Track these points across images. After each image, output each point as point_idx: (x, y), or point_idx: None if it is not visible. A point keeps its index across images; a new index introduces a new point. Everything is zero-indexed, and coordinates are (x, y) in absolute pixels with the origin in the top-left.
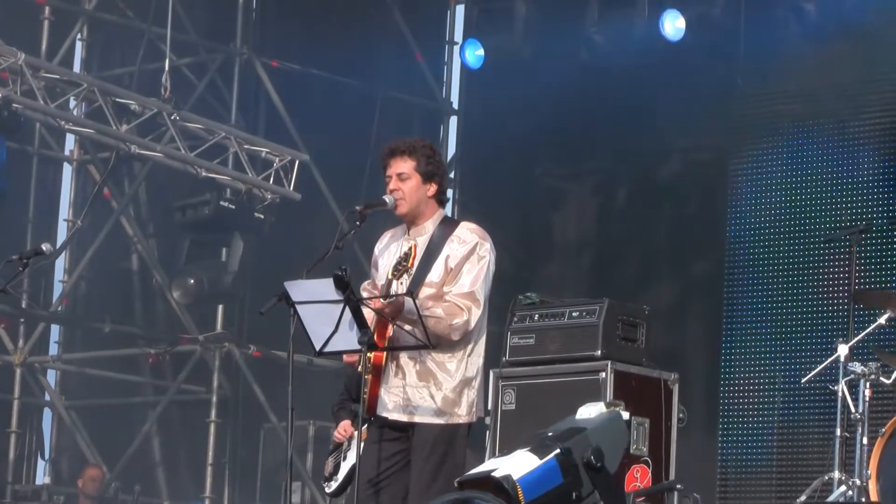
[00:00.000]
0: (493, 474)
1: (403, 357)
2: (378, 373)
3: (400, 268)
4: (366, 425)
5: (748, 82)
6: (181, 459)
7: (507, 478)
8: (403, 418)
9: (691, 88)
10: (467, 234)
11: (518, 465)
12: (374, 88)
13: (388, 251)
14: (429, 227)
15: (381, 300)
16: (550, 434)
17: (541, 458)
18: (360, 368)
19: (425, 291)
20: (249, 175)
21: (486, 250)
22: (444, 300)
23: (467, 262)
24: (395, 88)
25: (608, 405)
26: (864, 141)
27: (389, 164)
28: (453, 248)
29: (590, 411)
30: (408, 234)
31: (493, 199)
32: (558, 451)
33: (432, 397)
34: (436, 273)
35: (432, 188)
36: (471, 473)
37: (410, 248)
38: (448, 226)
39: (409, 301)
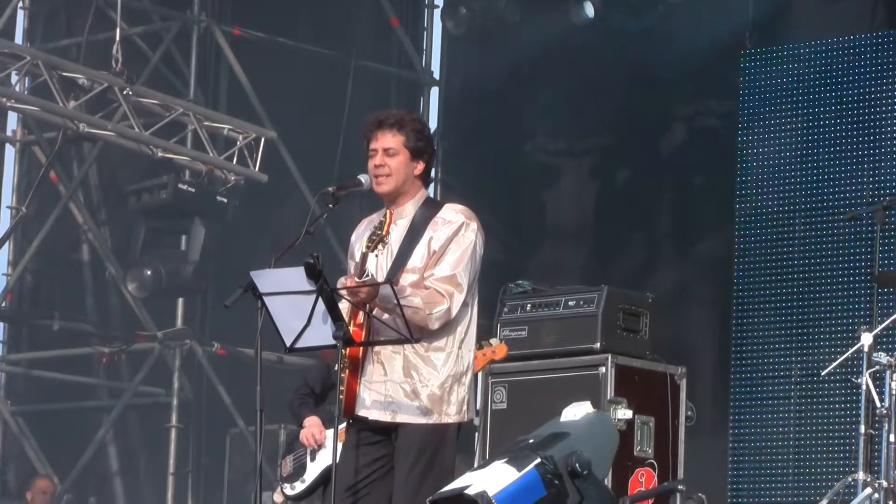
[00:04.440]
0: (466, 492)
1: (385, 350)
2: (355, 368)
3: (374, 238)
4: (342, 426)
5: (758, 41)
6: (140, 468)
7: (482, 495)
8: (385, 418)
9: (696, 50)
10: (452, 214)
11: (494, 479)
12: (347, 57)
13: (364, 240)
14: (410, 208)
15: (356, 280)
16: (531, 441)
17: (519, 470)
18: (336, 367)
19: (407, 278)
20: (210, 155)
21: (473, 231)
22: (425, 286)
23: (452, 243)
24: (369, 57)
25: (610, 402)
26: (887, 106)
27: (375, 136)
28: (437, 230)
29: (575, 413)
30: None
31: (479, 177)
32: (538, 460)
33: (417, 394)
34: (418, 257)
35: (419, 166)
36: (443, 492)
37: (385, 216)
38: (431, 207)
39: (385, 287)
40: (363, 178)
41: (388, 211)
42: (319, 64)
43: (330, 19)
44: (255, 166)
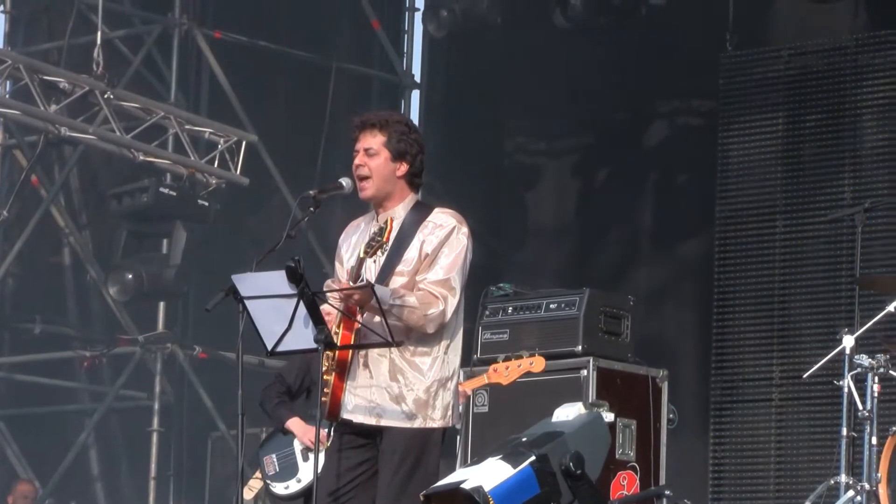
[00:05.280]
0: (462, 486)
1: (372, 353)
2: (342, 371)
3: (374, 244)
4: (326, 430)
5: (739, 43)
6: (121, 472)
7: (478, 490)
8: (370, 422)
9: (677, 51)
10: (443, 217)
11: (489, 475)
12: (328, 60)
13: (353, 244)
14: (399, 211)
15: (350, 284)
16: (524, 440)
17: (514, 467)
18: (323, 370)
19: (396, 281)
20: (192, 158)
21: (465, 235)
22: (418, 289)
23: (444, 247)
24: (350, 60)
25: (590, 406)
26: (868, 107)
27: (358, 137)
28: (427, 234)
29: (567, 413)
30: (377, 219)
31: (461, 180)
32: (533, 458)
33: (402, 398)
34: (408, 260)
35: (402, 167)
36: (438, 486)
37: (386, 223)
38: (421, 211)
39: (380, 288)
40: (345, 181)
41: (388, 218)
42: (301, 67)
43: (311, 22)
44: (236, 169)
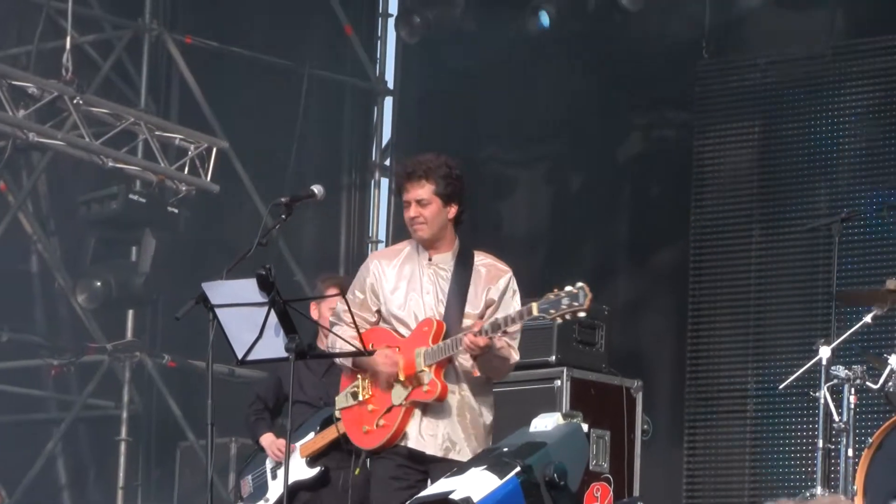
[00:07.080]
0: (451, 496)
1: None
2: (415, 404)
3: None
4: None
5: (715, 51)
6: (89, 482)
7: (468, 500)
8: (438, 453)
9: (652, 60)
10: (494, 266)
11: (477, 485)
12: (300, 66)
13: (399, 272)
14: (450, 258)
15: (487, 337)
16: (506, 450)
17: (500, 478)
18: (358, 398)
19: (466, 323)
20: (161, 165)
21: (515, 282)
22: (499, 339)
23: (505, 296)
24: (323, 66)
25: (565, 416)
26: (845, 117)
27: (406, 189)
28: (487, 281)
29: (546, 423)
30: (430, 259)
31: None
32: (518, 469)
33: (468, 432)
34: (473, 305)
35: (453, 210)
36: (424, 496)
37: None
38: (466, 256)
39: (498, 340)
40: (316, 188)
41: (432, 259)
42: (272, 73)
43: (283, 28)
44: (206, 176)
